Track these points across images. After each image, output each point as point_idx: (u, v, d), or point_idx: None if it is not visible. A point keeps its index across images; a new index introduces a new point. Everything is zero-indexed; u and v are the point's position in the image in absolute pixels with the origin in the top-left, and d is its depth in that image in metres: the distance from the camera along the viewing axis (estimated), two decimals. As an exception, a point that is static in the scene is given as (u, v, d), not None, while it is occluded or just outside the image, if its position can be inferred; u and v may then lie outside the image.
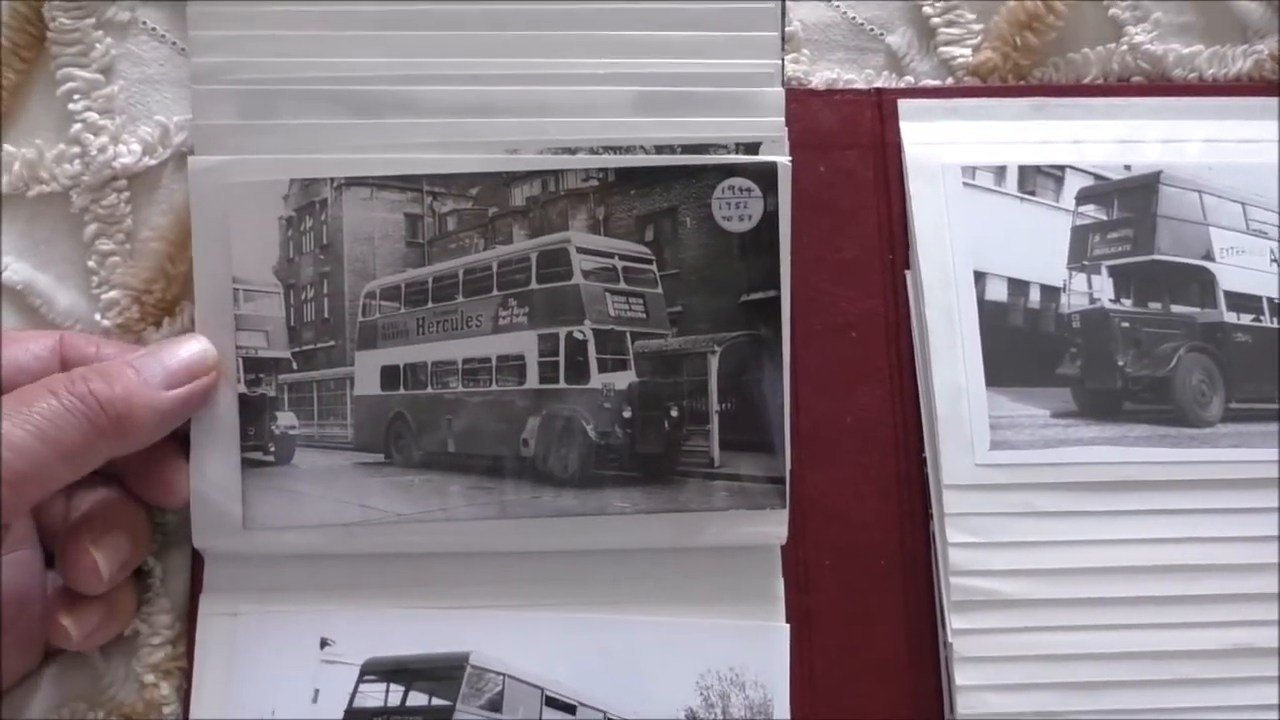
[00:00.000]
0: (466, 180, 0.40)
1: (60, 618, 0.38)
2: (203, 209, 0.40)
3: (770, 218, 0.40)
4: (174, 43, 0.44)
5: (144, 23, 0.45)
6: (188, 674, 0.40)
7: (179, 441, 0.40)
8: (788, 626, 0.40)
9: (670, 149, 0.40)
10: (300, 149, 0.40)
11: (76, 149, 0.43)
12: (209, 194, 0.40)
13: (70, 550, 0.38)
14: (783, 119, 0.41)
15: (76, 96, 0.43)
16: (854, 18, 0.47)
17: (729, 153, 0.40)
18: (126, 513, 0.39)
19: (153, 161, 0.44)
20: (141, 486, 0.40)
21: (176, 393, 0.37)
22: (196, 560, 0.41)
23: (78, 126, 0.43)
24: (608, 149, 0.40)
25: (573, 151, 0.40)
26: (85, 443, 0.35)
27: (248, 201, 0.39)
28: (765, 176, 0.40)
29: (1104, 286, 0.44)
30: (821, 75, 0.46)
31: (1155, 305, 0.44)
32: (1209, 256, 0.44)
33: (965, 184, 0.44)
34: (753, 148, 0.40)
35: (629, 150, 0.40)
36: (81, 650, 0.40)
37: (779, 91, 0.41)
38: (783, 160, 0.40)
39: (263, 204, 0.40)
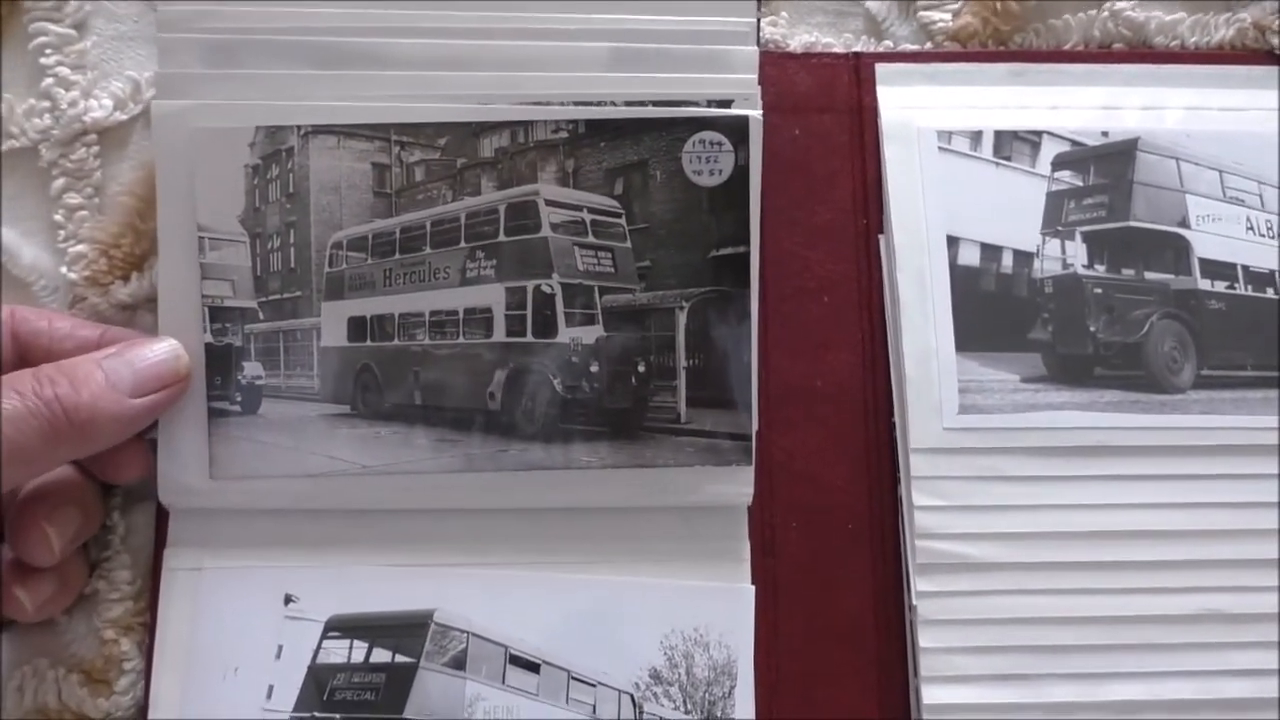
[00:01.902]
0: (434, 130, 0.40)
1: (14, 590, 0.38)
2: (167, 155, 0.39)
3: (741, 172, 0.39)
4: (148, -1, 0.44)
5: (118, -24, 0.44)
6: (150, 629, 0.40)
7: None
8: (753, 588, 0.40)
9: (642, 104, 0.40)
10: (266, 99, 0.39)
11: (47, 103, 0.43)
12: (173, 140, 0.39)
13: (21, 524, 0.37)
14: (756, 77, 0.41)
15: (48, 51, 0.43)
16: (833, -19, 0.47)
17: (702, 108, 0.40)
18: (78, 487, 0.39)
19: (124, 117, 0.43)
20: (95, 463, 0.39)
21: (143, 401, 0.37)
22: (160, 516, 0.40)
23: (49, 81, 0.43)
24: (580, 104, 0.40)
25: (545, 104, 0.40)
26: (46, 447, 0.35)
27: (213, 148, 0.39)
28: (736, 130, 0.39)
29: (1077, 252, 0.44)
30: (800, 38, 0.46)
31: (1129, 272, 0.44)
32: (1184, 224, 0.44)
33: (941, 148, 0.44)
34: (725, 105, 0.40)
35: (600, 105, 0.40)
36: (34, 621, 0.39)
37: (753, 50, 0.41)
38: (754, 114, 0.40)
39: (228, 151, 0.39)
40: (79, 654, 0.40)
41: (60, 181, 0.43)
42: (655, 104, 0.40)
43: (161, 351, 0.38)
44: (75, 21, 0.44)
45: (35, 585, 0.38)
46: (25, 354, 0.38)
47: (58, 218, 0.43)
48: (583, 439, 0.40)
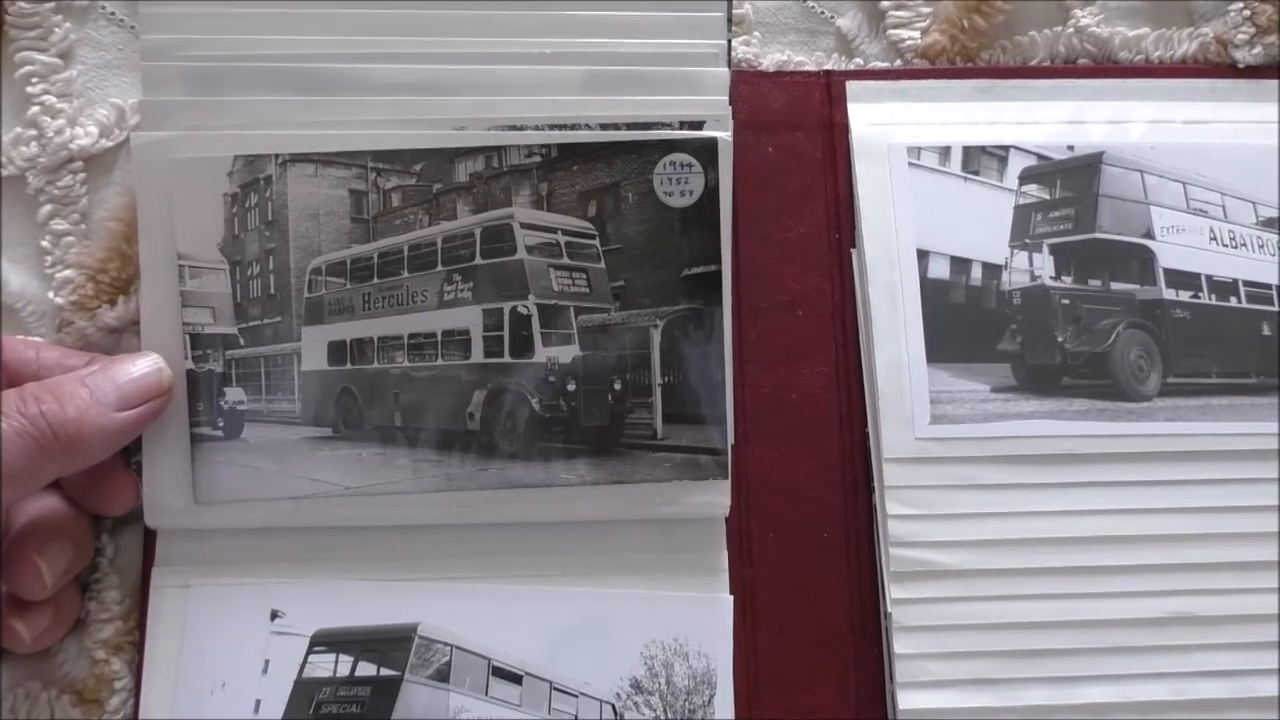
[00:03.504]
0: (410, 156, 0.40)
1: (12, 622, 0.38)
2: (147, 185, 0.40)
3: (711, 193, 0.40)
4: (133, 27, 0.45)
5: (103, 7, 0.45)
6: (139, 648, 0.40)
7: (123, 451, 0.40)
8: (731, 598, 0.41)
9: (616, 127, 0.41)
10: (249, 126, 0.40)
11: (33, 132, 0.44)
12: (153, 170, 0.40)
13: (14, 558, 0.38)
14: (727, 98, 0.42)
15: (35, 80, 0.44)
16: (805, 1, 0.48)
17: (673, 130, 0.41)
18: (69, 520, 0.39)
19: (109, 144, 0.44)
20: (85, 495, 0.40)
21: (128, 414, 0.37)
22: (148, 536, 0.41)
23: (35, 109, 0.44)
24: (554, 127, 0.40)
25: (519, 129, 0.40)
26: (33, 465, 0.35)
27: (192, 178, 0.40)
28: (706, 152, 0.40)
29: (1045, 264, 0.45)
30: (772, 57, 0.47)
31: (1095, 283, 0.45)
32: (1149, 235, 0.45)
33: (910, 164, 0.44)
34: (697, 126, 0.41)
35: (575, 128, 0.41)
36: (32, 651, 0.40)
37: (724, 71, 0.42)
38: (723, 135, 0.40)
39: (207, 180, 0.40)
40: (70, 675, 0.41)
41: (47, 208, 0.43)
42: (629, 126, 0.41)
43: (144, 366, 0.39)
44: (61, 51, 0.44)
45: (32, 617, 0.39)
46: (15, 383, 0.39)
47: (45, 244, 0.43)
48: (561, 456, 0.40)
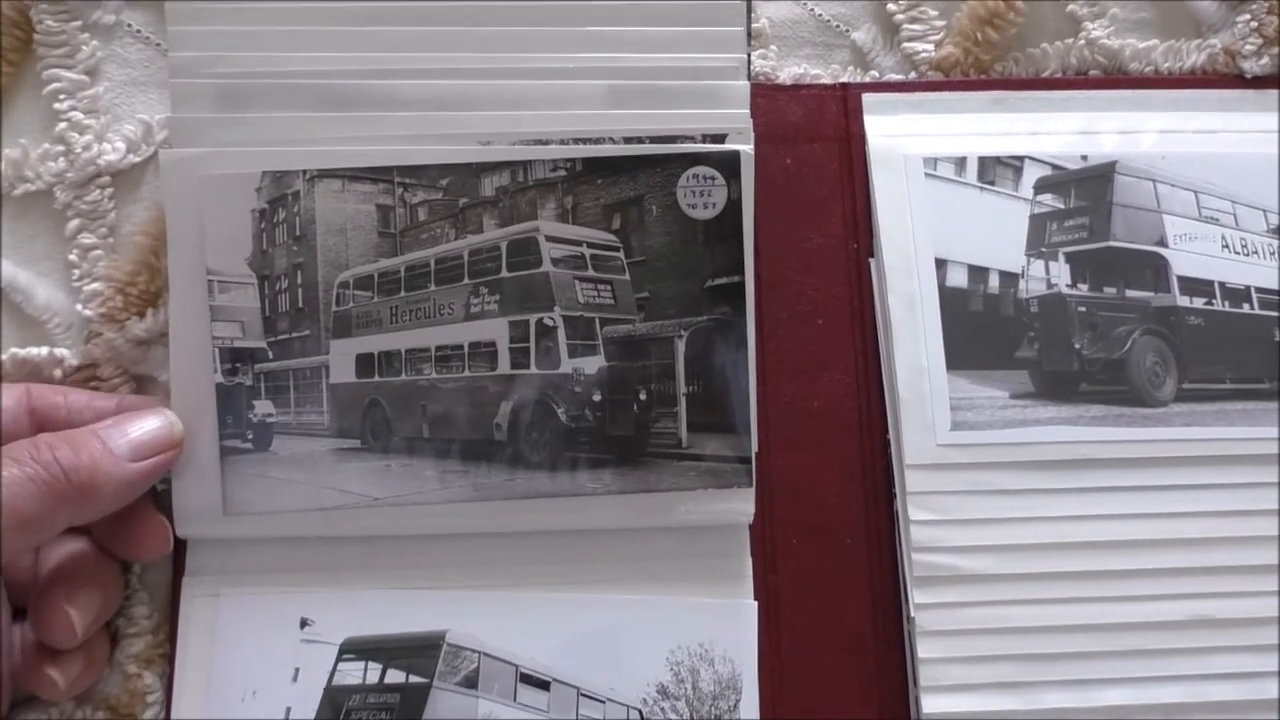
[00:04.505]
0: (437, 171, 0.41)
1: (47, 670, 0.38)
2: (176, 202, 0.41)
3: (734, 205, 0.41)
4: (159, 44, 0.45)
5: (129, 25, 0.46)
6: (170, 660, 0.41)
7: (152, 495, 0.40)
8: (756, 603, 0.42)
9: (639, 140, 0.41)
10: (276, 142, 0.41)
11: (61, 148, 0.44)
12: (182, 187, 0.41)
13: (43, 607, 0.38)
14: (748, 111, 0.42)
15: (62, 97, 0.44)
16: (821, 15, 0.48)
17: (696, 144, 0.41)
18: (99, 568, 0.40)
19: (137, 159, 0.44)
20: (114, 542, 0.40)
21: (140, 465, 0.38)
22: (177, 550, 0.41)
23: (63, 125, 0.44)
24: (578, 141, 0.41)
25: (544, 143, 0.41)
26: (46, 511, 0.35)
27: (220, 194, 0.40)
28: (728, 165, 0.41)
29: (1061, 272, 0.45)
30: (789, 71, 0.47)
31: (1110, 290, 0.45)
32: (1162, 243, 0.46)
33: (927, 174, 0.45)
34: (719, 139, 0.41)
35: (599, 142, 0.41)
36: (65, 699, 0.40)
37: (744, 85, 0.43)
38: (745, 148, 0.41)
39: (235, 196, 0.41)
40: (104, 691, 0.41)
41: (75, 223, 0.44)
42: (652, 139, 0.41)
43: (155, 420, 0.39)
44: (87, 68, 0.45)
45: (65, 664, 0.39)
46: (45, 428, 0.39)
47: (72, 257, 0.44)
48: (587, 466, 0.41)
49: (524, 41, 0.42)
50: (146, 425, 0.39)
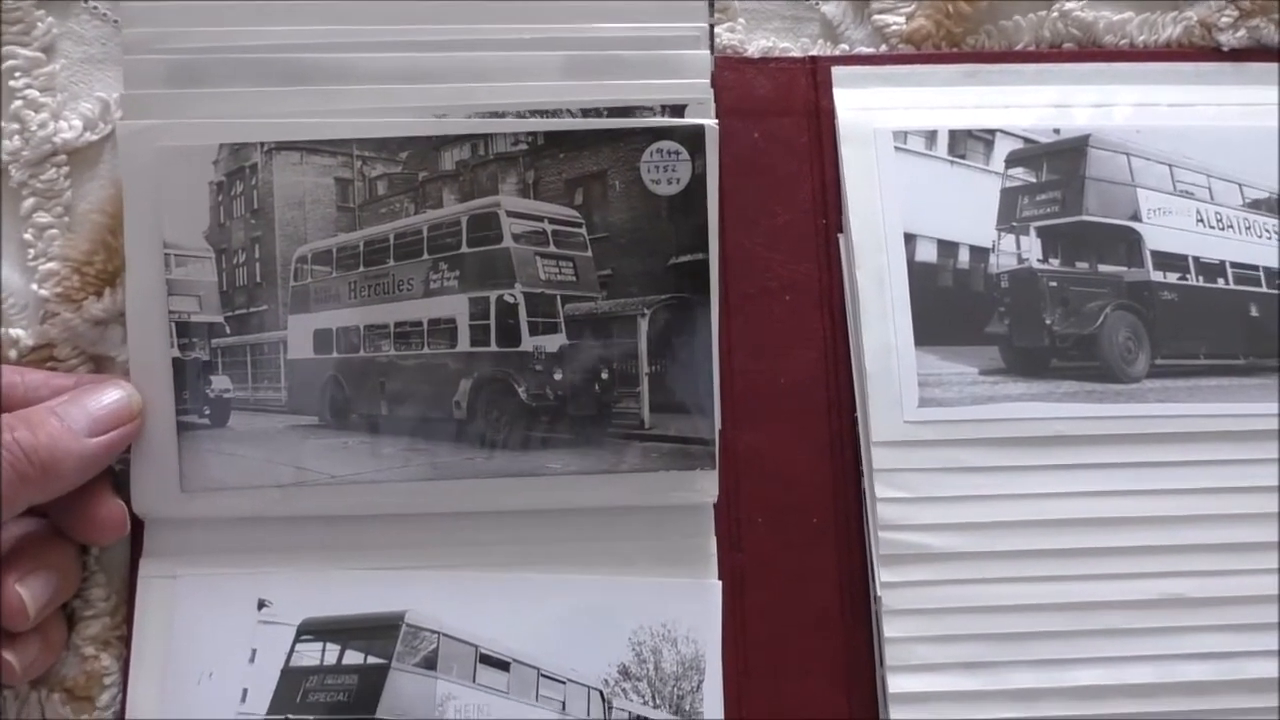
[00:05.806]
0: (396, 144, 0.40)
1: (2, 653, 0.38)
2: (133, 174, 0.40)
3: (698, 180, 0.40)
4: (115, 21, 0.45)
5: (86, 2, 0.45)
6: (127, 642, 0.40)
7: (110, 476, 0.40)
8: (719, 583, 0.41)
9: (597, 112, 0.41)
10: (231, 117, 0.40)
11: (16, 125, 0.43)
12: (139, 159, 0.40)
13: None
14: (709, 81, 0.42)
15: (17, 74, 0.44)
16: (789, -14, 0.47)
17: (655, 115, 0.41)
18: (54, 549, 0.39)
19: (94, 137, 0.44)
20: (70, 523, 0.39)
21: (100, 440, 0.38)
22: (135, 531, 0.41)
23: (18, 103, 0.44)
24: (535, 113, 0.40)
25: (501, 115, 0.40)
26: (9, 491, 0.35)
27: (178, 166, 0.40)
28: (693, 139, 0.40)
29: (1032, 247, 0.45)
30: (758, 44, 0.47)
31: (1083, 265, 0.45)
32: (1136, 217, 0.45)
33: (897, 148, 0.44)
34: (678, 110, 0.41)
35: (556, 114, 0.40)
36: (22, 682, 0.40)
37: (705, 54, 0.42)
38: (710, 123, 0.40)
39: (193, 169, 0.40)
40: (60, 673, 0.41)
41: (30, 201, 0.43)
42: (609, 110, 0.41)
43: (112, 393, 0.39)
44: (43, 45, 0.44)
45: (20, 647, 0.38)
46: (6, 409, 0.38)
47: (27, 236, 0.43)
48: (548, 446, 0.40)
49: (479, 13, 0.41)
50: (104, 399, 0.38)
